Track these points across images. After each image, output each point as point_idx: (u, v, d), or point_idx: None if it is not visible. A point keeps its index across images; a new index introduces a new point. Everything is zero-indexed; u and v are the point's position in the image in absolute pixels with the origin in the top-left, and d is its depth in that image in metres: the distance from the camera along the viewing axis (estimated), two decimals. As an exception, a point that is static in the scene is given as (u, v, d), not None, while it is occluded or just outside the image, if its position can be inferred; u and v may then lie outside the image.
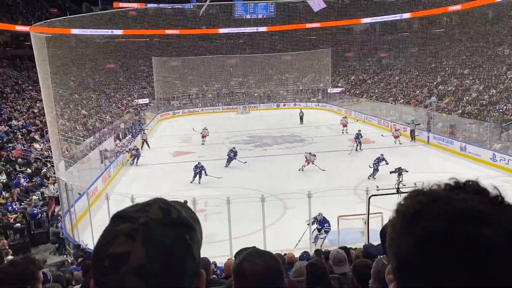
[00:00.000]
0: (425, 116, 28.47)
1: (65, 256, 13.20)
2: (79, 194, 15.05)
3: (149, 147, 26.55)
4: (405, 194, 0.73)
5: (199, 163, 19.15)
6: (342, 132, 28.89)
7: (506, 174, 16.94)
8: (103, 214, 13.73)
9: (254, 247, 2.07)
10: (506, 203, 0.67)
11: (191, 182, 18.77)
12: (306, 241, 11.86)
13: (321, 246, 11.77)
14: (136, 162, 22.59)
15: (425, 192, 0.70)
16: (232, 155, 21.05)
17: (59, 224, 14.33)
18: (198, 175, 18.93)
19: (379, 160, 17.79)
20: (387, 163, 17.52)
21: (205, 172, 18.82)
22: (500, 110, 25.86)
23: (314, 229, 11.96)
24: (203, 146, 26.24)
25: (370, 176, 17.79)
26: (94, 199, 16.19)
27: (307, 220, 11.89)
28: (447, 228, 0.63)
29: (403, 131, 27.46)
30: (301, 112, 35.26)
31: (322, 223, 11.83)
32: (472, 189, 0.69)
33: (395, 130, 25.30)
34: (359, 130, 24.48)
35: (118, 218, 0.78)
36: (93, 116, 33.25)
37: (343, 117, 31.29)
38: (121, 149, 24.24)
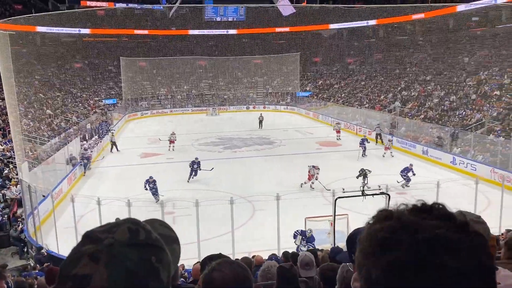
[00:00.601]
0: (389, 120, 29.18)
1: (27, 260, 12.76)
2: (43, 196, 14.58)
3: (117, 149, 25.91)
4: (374, 214, 0.74)
5: (196, 159, 18.92)
6: (337, 139, 27.87)
7: (465, 177, 17.55)
8: (68, 217, 13.36)
9: (220, 254, 2.06)
10: (472, 229, 0.68)
11: (188, 181, 18.53)
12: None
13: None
14: (87, 169, 20.90)
15: (393, 215, 0.70)
16: (195, 167, 19.12)
17: (19, 227, 13.82)
18: (194, 172, 18.77)
19: (407, 169, 16.99)
20: (414, 174, 16.85)
21: (200, 167, 18.74)
22: (460, 116, 26.81)
23: (300, 241, 11.85)
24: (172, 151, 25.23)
25: (403, 185, 17.09)
26: (59, 201, 15.73)
27: (296, 232, 11.83)
28: (416, 259, 0.63)
29: (368, 134, 28.07)
30: (261, 116, 34.39)
31: (310, 240, 11.78)
32: (439, 214, 0.70)
33: (388, 141, 23.61)
34: (365, 136, 24.34)
35: (86, 237, 0.77)
36: (58, 116, 32.31)
37: (336, 123, 30.03)
38: (87, 150, 23.63)
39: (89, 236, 0.76)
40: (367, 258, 0.69)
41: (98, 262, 0.71)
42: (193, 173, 19.02)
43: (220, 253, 2.37)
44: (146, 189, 16.08)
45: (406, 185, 17.06)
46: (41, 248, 11.91)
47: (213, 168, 19.10)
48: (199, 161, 19.13)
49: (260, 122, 33.82)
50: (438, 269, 0.62)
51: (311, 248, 11.27)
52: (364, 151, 22.97)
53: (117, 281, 0.70)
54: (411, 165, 17.31)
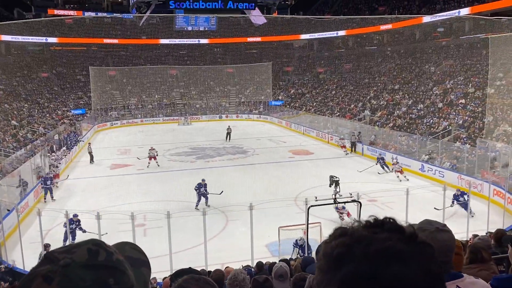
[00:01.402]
0: (359, 128, 29.70)
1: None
2: (8, 210, 14.07)
3: (92, 161, 25.17)
4: (330, 232, 0.77)
5: (203, 180, 16.41)
6: (346, 154, 26.02)
7: (434, 183, 18.00)
8: (34, 231, 12.93)
9: (190, 268, 2.01)
10: (420, 240, 0.72)
11: (196, 208, 15.67)
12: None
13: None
14: (51, 196, 17.89)
15: (347, 232, 0.73)
16: (203, 190, 16.35)
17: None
18: (204, 196, 16.14)
19: (456, 197, 14.82)
20: (465, 200, 14.49)
21: (207, 190, 16.03)
22: (427, 124, 27.56)
23: (297, 254, 11.76)
24: (150, 164, 23.18)
25: (470, 214, 14.52)
26: (25, 215, 15.21)
27: (294, 244, 11.82)
28: (369, 270, 0.66)
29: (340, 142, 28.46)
30: (229, 128, 32.27)
31: (303, 249, 11.74)
32: (390, 227, 0.73)
33: (396, 163, 20.21)
34: (380, 154, 22.64)
35: (45, 258, 0.75)
36: (24, 127, 31.38)
37: (340, 139, 27.70)
38: (54, 161, 22.99)
39: (47, 257, 0.75)
40: (325, 275, 0.71)
41: (51, 282, 0.70)
42: (201, 198, 16.21)
43: (190, 267, 2.32)
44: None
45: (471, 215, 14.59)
46: (0, 263, 11.47)
47: (222, 191, 16.44)
48: (205, 183, 16.48)
49: (228, 134, 31.85)
50: (390, 279, 0.65)
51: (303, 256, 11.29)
52: (385, 167, 21.06)
53: None
54: (458, 190, 15.05)
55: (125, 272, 0.76)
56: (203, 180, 16.60)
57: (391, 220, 0.75)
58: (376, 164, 21.27)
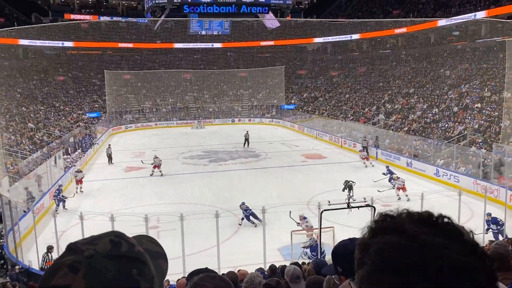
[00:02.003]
0: (373, 132, 29.49)
1: (4, 278, 12.42)
2: (24, 211, 14.29)
3: (111, 162, 25.71)
4: (372, 223, 0.72)
5: (243, 204, 14.73)
6: (366, 166, 23.60)
7: (449, 188, 17.77)
8: (49, 233, 13.10)
9: (206, 268, 2.03)
10: (480, 251, 0.65)
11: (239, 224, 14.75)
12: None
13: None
14: (63, 206, 17.09)
15: (394, 227, 0.68)
16: (248, 212, 14.62)
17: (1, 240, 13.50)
18: (247, 219, 14.71)
19: (488, 222, 14.62)
20: (499, 228, 13.15)
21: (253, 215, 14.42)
22: (442, 128, 27.25)
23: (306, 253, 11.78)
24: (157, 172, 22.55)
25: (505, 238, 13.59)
26: (40, 216, 15.43)
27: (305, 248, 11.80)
28: (428, 285, 0.60)
29: (353, 147, 28.29)
30: (247, 134, 31.41)
31: (314, 249, 11.73)
32: (447, 230, 0.66)
33: (398, 178, 18.29)
34: (387, 167, 20.19)
35: (68, 249, 0.77)
36: (40, 129, 31.87)
37: (360, 151, 24.97)
38: (70, 164, 23.31)
39: (71, 248, 0.77)
40: (372, 276, 0.66)
41: (77, 272, 0.72)
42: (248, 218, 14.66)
43: (206, 267, 2.34)
44: (249, 219, 14.54)
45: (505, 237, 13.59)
46: (15, 264, 11.64)
47: (260, 219, 13.02)
48: (246, 206, 14.61)
49: (246, 140, 31.01)
50: None
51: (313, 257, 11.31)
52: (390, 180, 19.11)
53: None
54: (489, 215, 14.59)
55: (146, 263, 0.78)
56: (243, 203, 14.78)
57: (449, 221, 0.68)
58: (386, 174, 19.35)
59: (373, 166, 23.29)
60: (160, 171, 22.48)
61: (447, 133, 26.22)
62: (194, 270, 2.31)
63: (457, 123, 26.70)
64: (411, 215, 0.69)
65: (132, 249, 0.78)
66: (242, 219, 14.72)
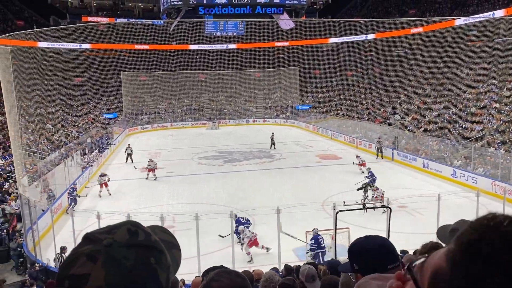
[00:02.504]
0: (389, 133, 29.21)
1: (24, 276, 12.65)
2: (42, 210, 14.53)
3: (132, 161, 26.14)
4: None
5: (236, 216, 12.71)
6: (361, 172, 21.00)
7: (466, 190, 17.50)
8: (67, 232, 13.29)
9: (222, 266, 2.04)
10: None
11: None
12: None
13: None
14: (72, 207, 16.56)
15: (497, 231, 0.57)
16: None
17: (18, 241, 13.75)
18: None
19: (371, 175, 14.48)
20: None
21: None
22: (460, 128, 26.85)
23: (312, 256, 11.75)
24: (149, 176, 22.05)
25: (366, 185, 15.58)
26: (58, 215, 15.67)
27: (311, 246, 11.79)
28: None
29: (368, 147, 28.09)
30: (272, 135, 31.16)
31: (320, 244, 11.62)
32: None
33: (381, 193, 16.11)
34: (369, 169, 19.40)
35: (86, 239, 0.78)
36: (58, 130, 32.38)
37: (357, 156, 23.14)
38: (87, 164, 23.62)
39: (88, 238, 0.78)
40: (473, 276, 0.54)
41: (96, 261, 0.72)
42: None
43: (221, 265, 2.35)
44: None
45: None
46: (34, 262, 11.83)
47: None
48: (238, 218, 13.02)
49: (272, 141, 30.54)
50: None
51: (313, 248, 11.40)
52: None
53: (114, 280, 0.71)
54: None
55: (163, 252, 0.79)
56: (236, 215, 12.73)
57: None
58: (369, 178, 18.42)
59: (362, 173, 20.87)
60: (155, 175, 21.71)
61: (464, 134, 25.83)
62: (209, 267, 2.32)
63: (474, 124, 26.27)
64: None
65: (149, 238, 0.79)
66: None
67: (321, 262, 10.77)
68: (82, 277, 0.71)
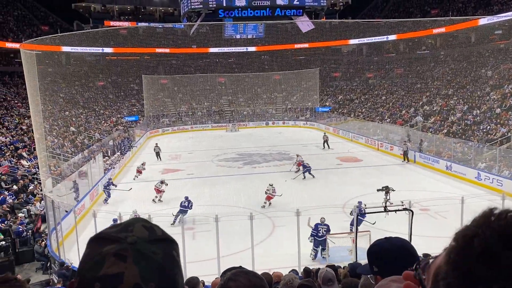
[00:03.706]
0: (412, 135, 28.74)
1: (50, 275, 12.91)
2: (66, 211, 14.81)
3: (160, 159, 27.81)
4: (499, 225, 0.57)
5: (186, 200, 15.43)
6: (297, 171, 22.40)
7: (491, 192, 17.10)
8: (89, 232, 13.50)
9: (241, 266, 2.04)
10: None
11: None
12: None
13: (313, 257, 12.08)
14: (106, 200, 18.58)
15: (490, 226, 0.56)
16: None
17: (43, 241, 14.05)
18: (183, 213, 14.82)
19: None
20: None
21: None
22: (484, 130, 26.25)
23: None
24: (184, 167, 23.23)
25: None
26: (81, 216, 15.94)
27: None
28: None
29: (390, 149, 27.71)
30: (325, 135, 31.55)
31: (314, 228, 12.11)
32: None
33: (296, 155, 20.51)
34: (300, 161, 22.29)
35: (101, 239, 0.76)
36: (82, 133, 33.00)
37: (297, 155, 23.92)
38: (109, 166, 23.98)
39: (104, 238, 0.77)
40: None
41: (126, 260, 0.72)
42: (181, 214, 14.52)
43: (240, 266, 2.35)
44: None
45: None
46: (64, 263, 12.04)
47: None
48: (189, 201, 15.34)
49: (325, 142, 30.84)
50: None
51: (313, 234, 12.00)
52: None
53: (149, 276, 0.71)
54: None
55: (177, 243, 0.81)
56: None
57: None
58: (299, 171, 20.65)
59: (297, 171, 22.38)
60: (160, 197, 18.64)
61: (489, 136, 25.24)
62: (228, 268, 2.32)
63: (499, 125, 25.65)
64: None
65: (164, 232, 0.80)
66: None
67: (323, 250, 12.03)
68: (115, 277, 0.71)
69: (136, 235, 0.76)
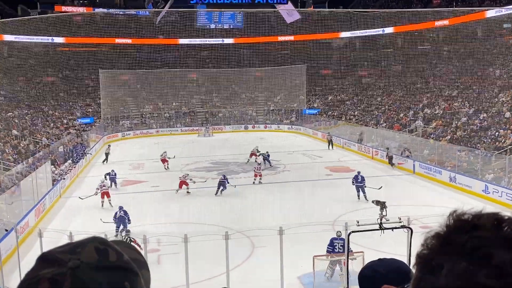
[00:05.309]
0: (410, 141, 29.21)
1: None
2: (6, 230, 14.49)
3: (106, 162, 28.81)
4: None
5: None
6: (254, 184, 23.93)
7: (500, 207, 17.47)
8: (34, 254, 13.11)
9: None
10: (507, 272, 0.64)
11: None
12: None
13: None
14: (115, 186, 23.06)
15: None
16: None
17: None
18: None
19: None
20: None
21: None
22: (492, 137, 26.85)
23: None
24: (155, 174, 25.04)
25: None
26: (25, 236, 15.60)
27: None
28: None
29: (385, 158, 28.08)
30: (328, 135, 35.48)
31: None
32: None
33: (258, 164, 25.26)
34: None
35: (44, 260, 0.75)
36: (26, 137, 32.39)
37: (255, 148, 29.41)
38: (58, 176, 23.58)
39: (47, 258, 0.75)
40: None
41: (61, 287, 0.70)
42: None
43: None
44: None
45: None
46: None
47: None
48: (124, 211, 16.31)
49: (330, 142, 34.60)
50: None
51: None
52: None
53: None
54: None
55: (138, 274, 0.77)
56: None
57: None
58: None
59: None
60: (110, 200, 20.09)
61: (497, 143, 25.84)
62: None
63: (509, 131, 26.29)
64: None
65: (121, 258, 0.77)
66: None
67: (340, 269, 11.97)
68: None
69: (82, 259, 0.73)
